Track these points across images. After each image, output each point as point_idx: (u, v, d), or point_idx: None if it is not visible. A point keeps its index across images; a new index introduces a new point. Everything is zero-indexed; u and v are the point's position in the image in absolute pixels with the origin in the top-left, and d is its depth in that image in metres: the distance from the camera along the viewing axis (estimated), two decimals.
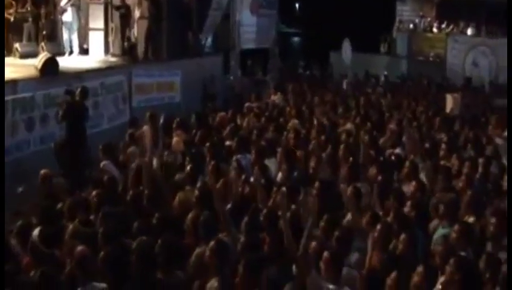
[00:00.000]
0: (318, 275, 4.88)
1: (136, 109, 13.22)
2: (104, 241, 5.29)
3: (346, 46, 19.86)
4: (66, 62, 12.79)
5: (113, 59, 14.60)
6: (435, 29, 25.01)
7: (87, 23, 14.86)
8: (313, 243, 5.28)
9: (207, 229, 5.49)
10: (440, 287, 4.92)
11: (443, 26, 24.72)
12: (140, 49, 14.83)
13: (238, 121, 10.67)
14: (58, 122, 10.17)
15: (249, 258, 4.87)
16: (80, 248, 5.02)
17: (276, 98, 13.68)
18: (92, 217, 6.10)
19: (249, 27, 20.04)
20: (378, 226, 5.53)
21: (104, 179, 7.12)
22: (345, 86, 17.37)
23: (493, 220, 5.81)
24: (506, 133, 10.92)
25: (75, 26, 13.90)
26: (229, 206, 6.01)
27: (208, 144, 8.31)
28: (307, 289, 4.60)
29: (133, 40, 15.31)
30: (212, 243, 4.97)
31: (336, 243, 5.29)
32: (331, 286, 4.77)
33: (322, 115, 11.42)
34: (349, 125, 10.37)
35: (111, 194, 6.64)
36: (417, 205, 6.22)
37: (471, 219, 6.32)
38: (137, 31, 15.30)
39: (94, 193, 6.48)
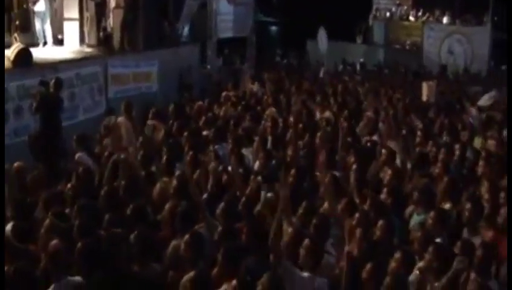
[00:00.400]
0: (290, 263, 4.89)
1: (112, 99, 13.06)
2: (79, 234, 5.23)
3: (322, 35, 19.88)
4: (40, 53, 12.57)
5: (88, 49, 14.40)
6: (411, 18, 25.14)
7: (61, 13, 14.62)
8: (289, 231, 5.30)
9: (184, 221, 5.46)
10: (418, 272, 4.97)
11: (419, 14, 24.86)
12: (116, 39, 14.65)
13: (215, 111, 10.61)
14: (33, 114, 10.01)
15: (227, 247, 4.87)
16: (53, 242, 4.95)
17: (253, 86, 13.64)
18: (67, 210, 6.03)
19: (226, 16, 19.92)
20: (357, 214, 5.54)
21: (79, 171, 7.03)
22: (321, 74, 17.39)
23: (468, 205, 5.86)
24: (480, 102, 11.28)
25: (48, 16, 13.66)
26: (205, 196, 5.95)
27: (185, 134, 8.26)
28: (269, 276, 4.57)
29: (108, 30, 15.12)
30: (187, 236, 4.95)
31: (314, 230, 5.29)
32: (304, 274, 4.77)
33: (300, 103, 11.39)
34: (327, 114, 10.38)
35: (86, 186, 6.56)
36: (393, 192, 6.26)
37: (447, 205, 6.38)
38: (113, 21, 15.10)
39: (69, 185, 6.39)
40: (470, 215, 5.74)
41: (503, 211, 5.85)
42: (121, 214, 5.66)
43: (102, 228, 5.47)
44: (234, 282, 4.50)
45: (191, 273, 4.49)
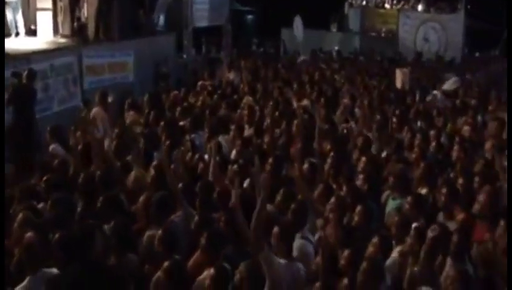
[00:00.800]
0: (270, 250, 4.90)
1: (87, 90, 12.90)
2: (54, 227, 5.17)
3: (298, 22, 19.84)
4: (12, 44, 12.37)
5: (62, 40, 14.18)
6: (387, 5, 25.23)
7: (34, 3, 14.37)
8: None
9: (159, 211, 5.44)
10: (395, 257, 5.02)
11: (395, 2, 24.96)
12: (91, 29, 14.42)
13: (191, 100, 10.56)
14: (5, 106, 9.86)
15: (210, 232, 4.90)
16: (28, 234, 4.90)
17: (229, 75, 13.59)
18: (41, 203, 5.96)
19: (202, 5, 19.76)
20: (332, 199, 5.57)
21: (53, 164, 6.95)
22: (299, 61, 17.38)
23: (444, 190, 5.92)
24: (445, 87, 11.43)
25: (20, 6, 13.42)
26: (180, 185, 5.93)
27: (161, 124, 8.21)
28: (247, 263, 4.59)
29: (83, 20, 14.88)
30: (160, 231, 4.95)
31: (291, 216, 5.31)
32: (281, 261, 4.79)
33: (277, 90, 11.40)
34: (305, 102, 10.39)
35: (61, 179, 6.48)
36: (369, 178, 6.30)
37: (424, 191, 6.44)
38: (87, 11, 14.86)
39: (44, 178, 6.32)
40: (445, 200, 5.80)
41: (481, 197, 5.86)
42: (95, 205, 5.63)
43: (77, 220, 5.44)
44: (212, 270, 4.50)
45: (166, 264, 4.48)
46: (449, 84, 12.49)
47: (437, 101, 11.17)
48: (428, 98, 11.64)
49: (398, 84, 12.79)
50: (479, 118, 10.00)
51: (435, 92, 11.98)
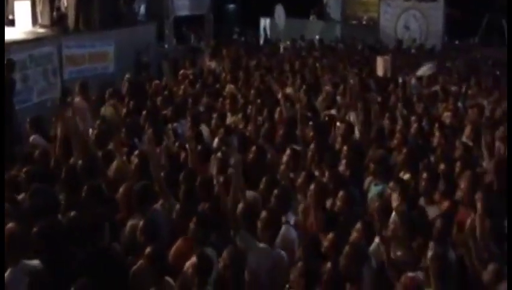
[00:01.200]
0: (247, 233, 4.91)
1: (67, 81, 12.77)
2: (34, 218, 5.14)
3: (280, 11, 19.80)
4: None
5: (41, 30, 14.00)
6: None
7: None
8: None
9: (141, 200, 5.43)
10: (380, 241, 5.05)
11: None
12: (71, 19, 14.24)
13: (173, 89, 10.51)
14: None
15: (201, 214, 4.93)
16: (9, 225, 4.85)
17: (211, 64, 13.54)
18: (22, 194, 5.91)
19: None
20: (312, 186, 5.59)
21: (34, 154, 6.87)
22: (282, 50, 17.36)
23: (424, 175, 5.97)
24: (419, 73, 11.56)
25: None
26: (162, 173, 5.93)
27: (144, 112, 8.18)
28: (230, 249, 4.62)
29: (62, 9, 14.69)
30: (141, 222, 4.94)
31: (275, 201, 5.32)
32: (261, 245, 4.80)
33: (259, 79, 11.39)
34: (288, 89, 10.40)
35: (42, 169, 6.43)
36: (351, 163, 6.33)
37: (406, 176, 6.49)
38: (66, 1, 14.69)
39: (24, 169, 6.26)
40: (426, 185, 5.85)
41: (463, 184, 5.94)
42: (77, 195, 5.60)
43: (60, 211, 5.41)
44: (194, 259, 4.50)
45: (148, 250, 4.47)
46: (423, 71, 12.63)
47: (409, 86, 11.29)
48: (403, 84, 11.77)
49: (380, 72, 12.84)
50: (459, 104, 10.07)
51: (407, 77, 12.11)
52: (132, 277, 4.70)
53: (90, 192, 5.51)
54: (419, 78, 12.25)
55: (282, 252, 4.97)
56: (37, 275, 4.39)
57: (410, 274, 4.38)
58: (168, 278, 4.53)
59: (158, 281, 4.46)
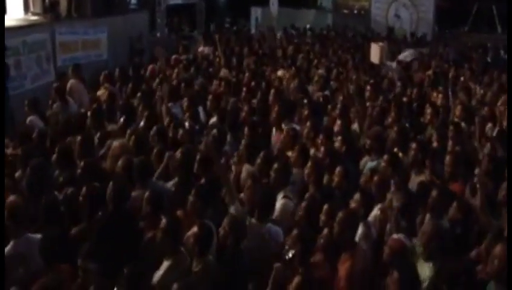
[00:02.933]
0: (241, 206, 5.00)
1: (61, 68, 12.77)
2: (32, 193, 5.22)
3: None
4: None
5: (33, 18, 13.98)
6: None
7: None
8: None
9: (141, 173, 5.51)
10: (378, 213, 5.16)
11: None
12: (63, 6, 14.26)
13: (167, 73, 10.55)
14: None
15: (199, 187, 5.02)
16: (11, 197, 4.92)
17: (204, 49, 13.58)
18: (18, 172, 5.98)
19: None
20: (309, 163, 5.68)
21: (31, 134, 6.93)
22: (279, 36, 17.40)
23: (414, 145, 6.09)
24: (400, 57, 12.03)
25: None
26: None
27: (138, 95, 8.24)
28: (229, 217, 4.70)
29: None
30: (147, 193, 5.03)
31: (274, 174, 5.41)
32: (253, 220, 4.91)
33: (252, 63, 11.48)
34: (280, 72, 10.49)
35: (39, 148, 6.49)
36: (345, 140, 6.43)
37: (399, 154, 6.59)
38: None
39: (21, 148, 6.33)
40: (415, 154, 5.96)
41: (448, 158, 6.09)
42: (73, 172, 5.68)
43: (56, 187, 5.49)
44: (195, 228, 4.58)
45: (163, 222, 4.54)
46: (404, 56, 12.80)
47: (392, 70, 11.42)
48: (384, 68, 11.94)
49: (375, 58, 12.89)
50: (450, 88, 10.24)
51: (388, 62, 12.29)
52: (145, 248, 4.77)
53: (87, 168, 5.56)
54: (400, 62, 12.40)
55: (275, 228, 5.01)
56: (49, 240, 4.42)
57: (395, 236, 4.49)
58: (182, 249, 4.60)
59: (174, 251, 4.52)
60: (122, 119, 7.16)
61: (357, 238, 4.73)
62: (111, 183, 5.00)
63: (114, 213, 4.87)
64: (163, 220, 4.51)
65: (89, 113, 7.33)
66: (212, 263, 4.50)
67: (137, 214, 5.07)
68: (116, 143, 6.27)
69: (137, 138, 6.23)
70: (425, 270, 4.43)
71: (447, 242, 4.79)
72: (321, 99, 8.69)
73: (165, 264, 4.44)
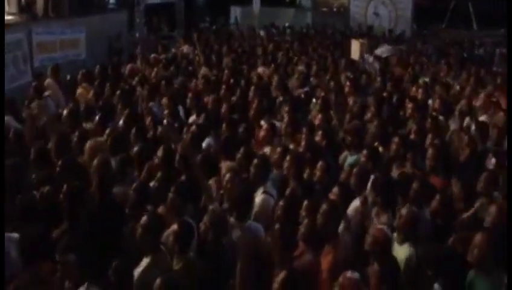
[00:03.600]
0: (219, 206, 4.99)
1: (38, 68, 12.63)
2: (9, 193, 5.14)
3: None
4: None
5: (9, 17, 13.78)
6: None
7: None
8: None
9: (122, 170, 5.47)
10: (357, 204, 5.17)
11: None
12: (40, 5, 14.08)
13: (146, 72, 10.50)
14: None
15: (179, 184, 4.97)
16: None
17: (184, 48, 13.52)
18: None
19: None
20: (288, 157, 5.67)
21: (8, 135, 6.82)
22: (262, 33, 17.38)
23: (396, 140, 6.11)
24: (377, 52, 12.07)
25: None
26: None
27: (117, 93, 8.16)
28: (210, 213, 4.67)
29: None
30: (134, 185, 4.99)
31: (254, 170, 5.39)
32: (231, 219, 4.87)
33: (231, 61, 11.46)
34: (260, 70, 10.48)
35: (15, 148, 6.39)
36: (326, 133, 6.43)
37: (379, 149, 6.61)
38: None
39: None
40: (397, 149, 5.98)
41: (430, 151, 6.12)
42: (51, 171, 5.61)
43: (34, 186, 5.41)
44: (175, 226, 4.53)
45: (144, 219, 4.47)
46: (381, 51, 12.93)
47: (367, 63, 11.50)
48: (362, 63, 12.09)
49: (355, 55, 12.96)
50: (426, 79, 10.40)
51: (366, 55, 12.39)
52: (125, 241, 4.72)
53: (65, 166, 5.49)
54: (376, 57, 12.50)
55: (255, 225, 4.99)
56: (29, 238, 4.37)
57: (379, 226, 4.50)
58: (162, 247, 4.52)
59: (153, 249, 4.43)
60: (97, 118, 7.06)
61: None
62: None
63: (100, 205, 4.79)
64: (144, 217, 4.44)
65: (65, 113, 7.24)
66: (193, 260, 4.45)
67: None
68: (91, 141, 6.20)
69: (114, 137, 6.15)
70: (400, 254, 4.47)
71: (426, 230, 4.85)
72: (302, 95, 8.68)
73: (144, 261, 4.38)
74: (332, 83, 9.33)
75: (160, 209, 5.00)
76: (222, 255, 4.46)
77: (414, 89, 9.51)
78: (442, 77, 10.95)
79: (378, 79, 10.06)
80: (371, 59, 12.19)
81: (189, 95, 8.30)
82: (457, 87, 10.06)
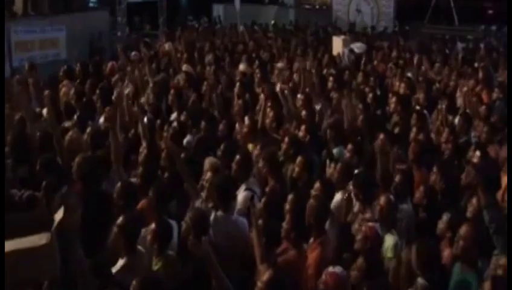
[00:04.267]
0: (204, 201, 4.92)
1: (17, 68, 12.45)
2: None
3: None
4: None
5: None
6: None
7: None
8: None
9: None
10: (339, 198, 5.12)
11: None
12: (19, 3, 13.89)
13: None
14: None
15: (159, 183, 4.90)
16: None
17: (166, 45, 13.39)
18: None
19: None
20: (267, 150, 5.61)
21: None
22: (240, 29, 17.30)
23: (381, 136, 6.09)
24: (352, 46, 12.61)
25: None
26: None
27: (98, 92, 8.05)
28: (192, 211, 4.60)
29: None
30: (119, 185, 4.92)
31: (236, 167, 5.32)
32: (218, 213, 4.81)
33: (213, 58, 11.38)
34: (242, 66, 10.42)
35: None
36: (310, 129, 6.39)
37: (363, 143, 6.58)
38: None
39: None
40: (382, 144, 5.96)
41: (413, 145, 6.14)
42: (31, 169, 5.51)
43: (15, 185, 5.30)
44: (153, 225, 4.44)
45: (120, 218, 4.36)
46: (356, 47, 13.02)
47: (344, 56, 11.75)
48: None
49: (337, 52, 12.92)
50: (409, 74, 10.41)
51: (345, 50, 12.48)
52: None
53: (44, 164, 5.39)
54: (351, 51, 12.61)
55: (241, 219, 4.93)
56: None
57: (370, 224, 4.46)
58: (140, 247, 4.41)
59: (129, 250, 4.31)
60: (76, 116, 6.96)
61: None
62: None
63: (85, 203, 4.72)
64: (121, 217, 4.34)
65: (44, 111, 7.12)
66: (172, 259, 4.37)
67: None
68: (69, 139, 6.09)
69: (93, 134, 6.05)
70: (386, 240, 4.48)
71: (409, 223, 4.83)
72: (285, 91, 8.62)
73: (120, 262, 4.27)
74: (316, 80, 9.28)
75: (143, 204, 4.91)
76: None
77: (397, 84, 9.51)
78: (425, 72, 10.96)
79: (360, 74, 10.05)
80: (346, 52, 12.27)
81: (171, 92, 8.20)
82: (440, 83, 10.10)
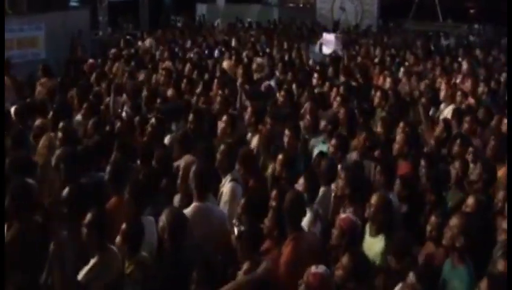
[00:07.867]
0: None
1: None
2: None
3: None
4: None
5: None
6: None
7: None
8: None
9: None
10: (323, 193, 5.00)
11: None
12: None
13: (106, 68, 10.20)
14: None
15: (134, 181, 4.74)
16: None
17: (146, 42, 13.21)
18: None
19: None
20: (241, 151, 5.47)
21: None
22: (220, 27, 17.19)
23: (363, 134, 5.97)
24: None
25: None
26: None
27: (75, 89, 7.86)
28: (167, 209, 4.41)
29: None
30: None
31: (220, 157, 5.26)
32: (194, 203, 4.68)
33: (196, 55, 11.25)
34: (225, 63, 10.30)
35: None
36: (293, 126, 6.26)
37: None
38: None
39: None
40: (363, 142, 5.84)
41: (398, 138, 6.04)
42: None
43: None
44: (124, 226, 4.24)
45: (89, 215, 4.17)
46: (326, 41, 13.04)
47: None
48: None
49: (330, 50, 12.81)
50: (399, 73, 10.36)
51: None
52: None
53: (15, 164, 5.18)
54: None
55: (217, 208, 4.85)
56: None
57: (343, 215, 4.32)
58: (111, 246, 4.22)
59: (100, 248, 4.13)
60: (51, 114, 6.76)
61: (304, 224, 4.52)
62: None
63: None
64: (89, 214, 4.16)
65: (12, 110, 6.91)
66: (144, 261, 4.20)
67: None
68: (44, 137, 5.91)
69: (65, 132, 5.86)
70: (375, 246, 4.27)
71: (396, 219, 4.70)
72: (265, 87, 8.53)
73: (91, 261, 4.09)
74: (299, 75, 9.20)
75: (114, 200, 4.73)
76: (179, 254, 4.18)
77: (381, 79, 9.43)
78: (409, 67, 10.93)
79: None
80: (316, 48, 12.24)
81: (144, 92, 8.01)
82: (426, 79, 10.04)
